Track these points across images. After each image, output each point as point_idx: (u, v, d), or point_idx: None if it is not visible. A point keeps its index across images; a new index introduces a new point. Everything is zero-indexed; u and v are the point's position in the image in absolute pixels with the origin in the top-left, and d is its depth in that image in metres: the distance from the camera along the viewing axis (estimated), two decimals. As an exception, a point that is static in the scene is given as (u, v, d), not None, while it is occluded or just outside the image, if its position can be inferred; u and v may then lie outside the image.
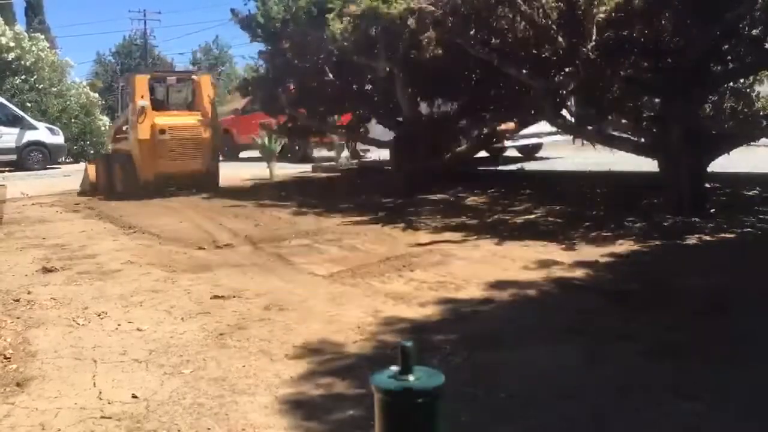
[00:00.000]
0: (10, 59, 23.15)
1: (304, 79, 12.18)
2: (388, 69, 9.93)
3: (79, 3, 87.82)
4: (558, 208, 8.48)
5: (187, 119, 12.37)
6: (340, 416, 3.04)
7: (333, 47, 9.96)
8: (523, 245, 6.51)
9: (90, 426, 2.99)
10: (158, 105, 12.51)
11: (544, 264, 5.69)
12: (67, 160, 22.49)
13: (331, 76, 11.63)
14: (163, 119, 12.10)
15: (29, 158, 20.38)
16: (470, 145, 11.66)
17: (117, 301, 5.01)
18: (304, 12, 10.88)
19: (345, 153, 17.35)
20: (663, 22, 7.41)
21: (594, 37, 7.42)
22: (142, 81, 12.35)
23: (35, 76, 23.63)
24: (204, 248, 6.96)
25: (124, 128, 13.01)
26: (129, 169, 12.08)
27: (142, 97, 12.00)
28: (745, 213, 7.51)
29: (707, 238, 6.49)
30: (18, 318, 4.65)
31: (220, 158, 13.95)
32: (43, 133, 20.87)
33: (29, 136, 20.49)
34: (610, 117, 8.69)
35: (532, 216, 8.18)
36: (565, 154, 15.80)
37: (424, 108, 11.68)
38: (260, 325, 4.34)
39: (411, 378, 1.45)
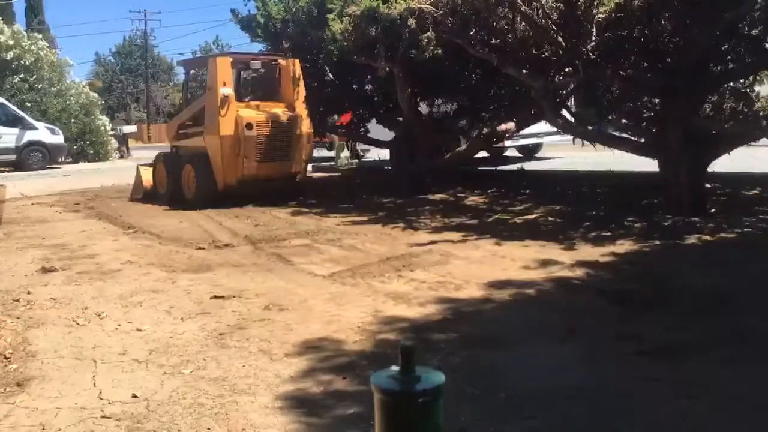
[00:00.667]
0: (9, 59, 23.12)
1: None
2: (388, 69, 9.94)
3: (79, 3, 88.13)
4: (558, 208, 8.49)
5: (278, 112, 10.25)
6: (340, 414, 3.04)
7: (333, 47, 9.96)
8: (522, 245, 6.52)
9: (90, 426, 2.99)
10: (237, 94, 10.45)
11: (544, 264, 5.70)
12: (67, 160, 22.49)
13: (331, 76, 11.63)
14: (250, 111, 10.01)
15: (29, 158, 20.37)
16: (470, 145, 11.68)
17: (117, 301, 5.01)
18: (304, 12, 10.89)
19: (345, 153, 17.39)
20: (663, 22, 7.41)
21: (594, 37, 7.43)
22: (225, 64, 10.07)
23: (35, 76, 23.61)
24: (204, 248, 6.96)
25: (187, 123, 11.04)
26: (204, 172, 10.00)
27: (225, 84, 9.82)
28: (745, 213, 7.52)
29: (707, 238, 6.50)
30: (18, 318, 4.64)
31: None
32: (42, 133, 20.87)
33: (29, 136, 20.49)
34: (610, 117, 8.72)
35: (532, 216, 8.19)
36: (565, 154, 15.83)
37: (424, 108, 11.71)
38: (260, 325, 4.34)
39: (411, 378, 1.45)
